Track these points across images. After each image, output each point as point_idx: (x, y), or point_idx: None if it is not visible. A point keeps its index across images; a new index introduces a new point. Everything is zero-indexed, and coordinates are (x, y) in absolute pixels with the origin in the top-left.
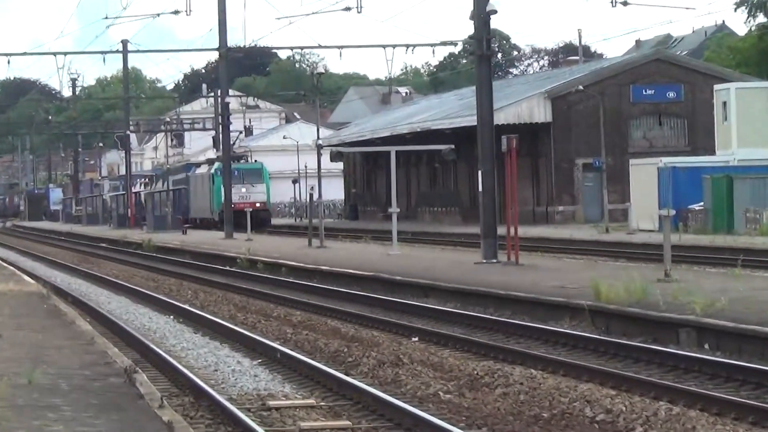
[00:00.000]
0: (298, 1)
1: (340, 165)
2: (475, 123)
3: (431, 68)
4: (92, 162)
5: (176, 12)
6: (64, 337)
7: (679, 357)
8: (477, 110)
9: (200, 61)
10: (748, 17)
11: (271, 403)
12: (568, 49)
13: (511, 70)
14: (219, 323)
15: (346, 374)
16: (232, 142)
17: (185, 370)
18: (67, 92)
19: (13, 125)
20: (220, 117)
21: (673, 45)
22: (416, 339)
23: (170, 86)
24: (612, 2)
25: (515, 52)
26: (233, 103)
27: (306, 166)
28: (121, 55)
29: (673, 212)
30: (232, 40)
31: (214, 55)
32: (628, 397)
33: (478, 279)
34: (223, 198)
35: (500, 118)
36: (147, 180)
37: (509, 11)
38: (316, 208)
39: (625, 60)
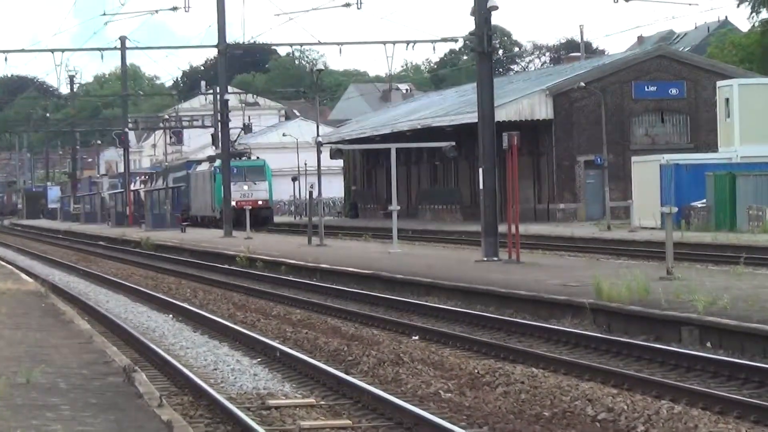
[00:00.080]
0: None
1: (340, 162)
2: (476, 120)
3: (432, 65)
4: (90, 160)
5: (174, 8)
6: (62, 336)
7: (681, 355)
8: (478, 107)
9: (199, 58)
10: (751, 13)
11: (271, 402)
12: (570, 46)
13: (512, 66)
14: (218, 322)
15: (346, 373)
16: (234, 139)
17: (184, 369)
18: (65, 89)
19: (11, 123)
20: (219, 114)
21: (675, 41)
22: (417, 337)
23: (169, 83)
24: None
25: (516, 49)
26: (232, 101)
27: (306, 164)
28: (119, 52)
29: (675, 210)
30: (231, 37)
31: (213, 52)
32: (629, 396)
33: (479, 277)
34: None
35: (501, 115)
36: (146, 177)
37: (510, 7)
38: (316, 206)
39: (627, 56)
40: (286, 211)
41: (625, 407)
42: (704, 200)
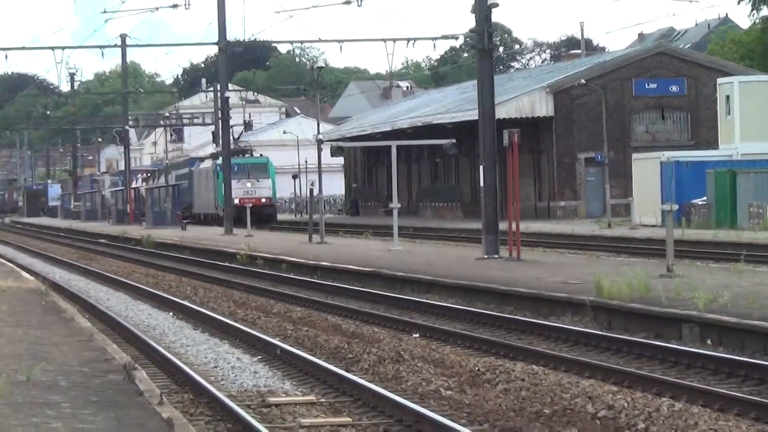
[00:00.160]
0: None
1: (340, 160)
2: (477, 117)
3: (432, 62)
4: (91, 157)
5: (175, 6)
6: (62, 334)
7: (681, 353)
8: (478, 104)
9: (199, 56)
10: (751, 10)
11: (271, 399)
12: (571, 43)
13: (512, 63)
14: (219, 319)
15: (347, 371)
16: (236, 137)
17: (185, 367)
18: (65, 87)
19: (11, 120)
20: (219, 112)
21: (676, 38)
22: (417, 335)
23: (169, 81)
24: None
25: (517, 46)
26: (233, 98)
27: (306, 161)
28: (119, 50)
29: (675, 207)
30: (232, 34)
31: (214, 50)
32: (630, 393)
33: (479, 275)
34: None
35: (502, 113)
36: (148, 175)
37: (511, 4)
38: (317, 204)
39: (627, 53)
40: (287, 208)
41: (626, 404)
42: (705, 197)
